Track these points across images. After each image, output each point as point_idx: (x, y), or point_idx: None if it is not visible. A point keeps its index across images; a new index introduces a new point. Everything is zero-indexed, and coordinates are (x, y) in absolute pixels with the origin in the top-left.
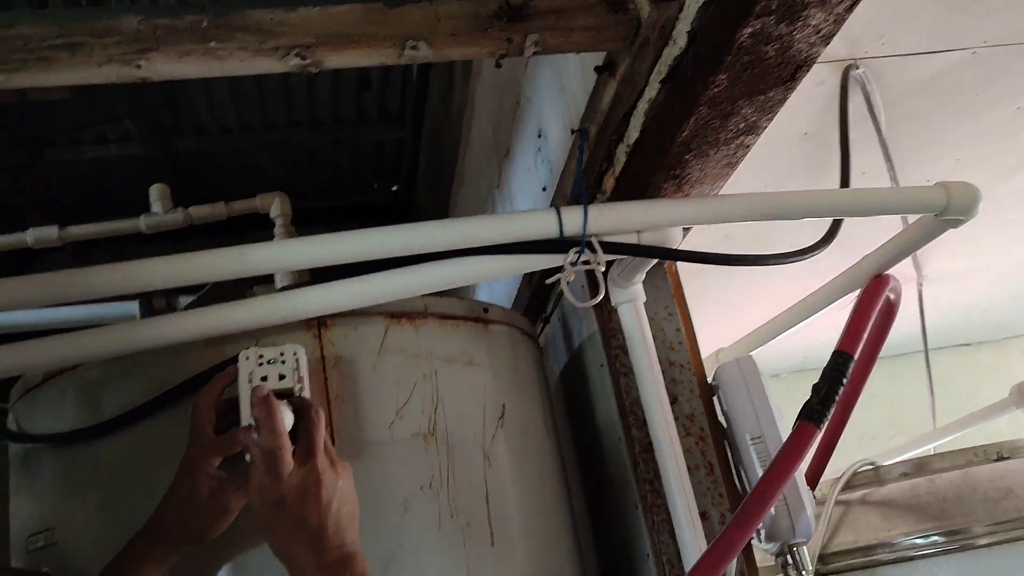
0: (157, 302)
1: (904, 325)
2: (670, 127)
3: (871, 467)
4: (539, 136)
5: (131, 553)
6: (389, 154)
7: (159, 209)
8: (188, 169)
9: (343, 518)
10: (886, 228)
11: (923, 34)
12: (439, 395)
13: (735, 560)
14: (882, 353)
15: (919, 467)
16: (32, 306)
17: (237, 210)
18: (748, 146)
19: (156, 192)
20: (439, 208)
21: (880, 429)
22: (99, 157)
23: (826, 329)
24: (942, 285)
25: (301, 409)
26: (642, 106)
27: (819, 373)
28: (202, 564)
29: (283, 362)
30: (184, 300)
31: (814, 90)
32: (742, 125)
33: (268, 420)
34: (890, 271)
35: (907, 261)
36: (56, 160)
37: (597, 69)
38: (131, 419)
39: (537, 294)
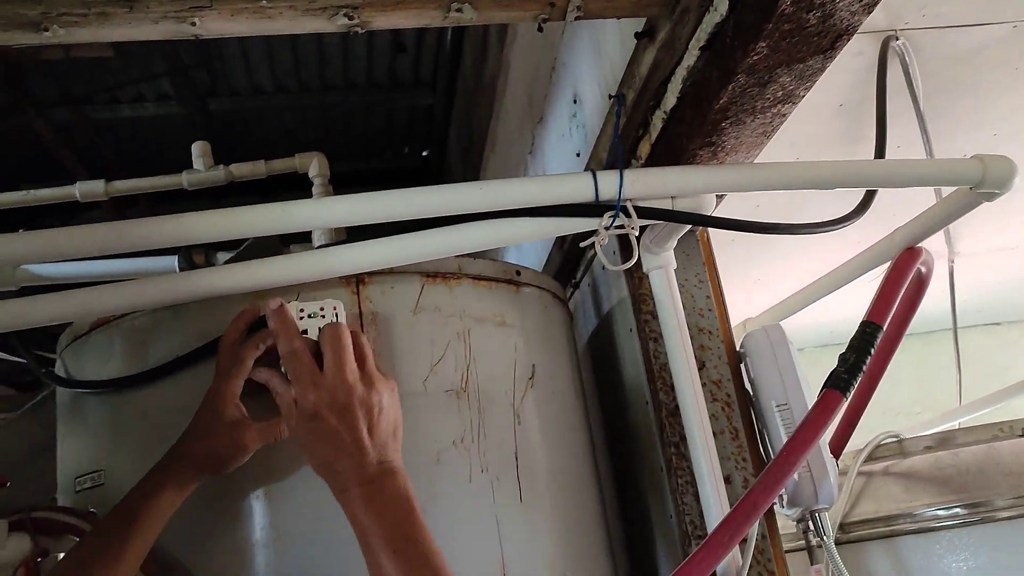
0: (197, 258)
1: (933, 302)
2: (708, 94)
3: (895, 439)
4: (574, 102)
5: (153, 479)
6: (421, 119)
7: (201, 166)
8: (222, 131)
9: (382, 432)
10: (918, 204)
11: (964, 6)
12: (471, 354)
13: (757, 524)
14: (910, 330)
15: (943, 441)
16: (84, 255)
17: (276, 169)
18: (785, 115)
19: (198, 149)
20: (470, 174)
21: (906, 406)
22: (136, 116)
23: (853, 305)
24: (973, 263)
25: (328, 329)
26: (680, 73)
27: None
28: (240, 489)
29: (323, 316)
30: (222, 257)
31: (852, 61)
32: (780, 94)
33: (283, 327)
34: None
35: (938, 237)
36: (95, 118)
37: (637, 35)
38: (175, 367)
39: (567, 260)
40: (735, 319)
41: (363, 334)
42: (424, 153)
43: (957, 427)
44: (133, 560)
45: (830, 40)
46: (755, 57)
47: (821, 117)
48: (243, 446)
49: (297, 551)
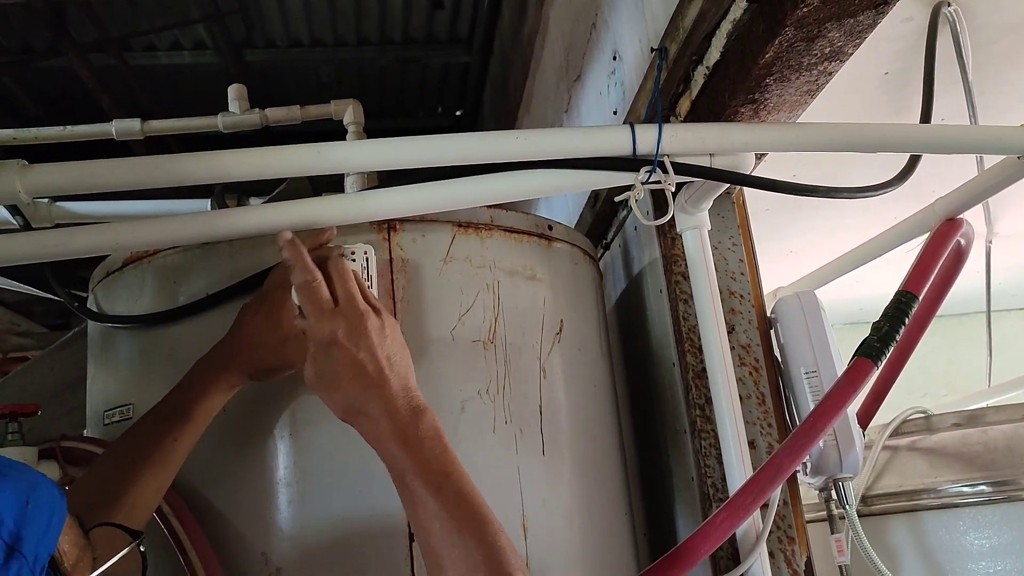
0: (230, 201)
1: (967, 283)
2: (753, 48)
3: (922, 415)
4: (614, 59)
5: (201, 379)
6: (456, 77)
7: (236, 109)
8: (258, 83)
9: (400, 363)
10: (959, 180)
11: None
12: (500, 305)
13: (780, 489)
14: (942, 312)
15: (972, 418)
16: (120, 187)
17: (311, 114)
18: (831, 73)
19: (234, 92)
20: None
21: (933, 388)
22: (173, 64)
23: (884, 283)
24: (1011, 245)
25: (328, 261)
26: (725, 27)
27: None
28: (264, 427)
29: (354, 260)
30: (255, 203)
31: (900, 27)
32: (827, 50)
33: (298, 257)
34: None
35: (977, 216)
36: (134, 64)
37: None
38: (207, 305)
39: (599, 220)
40: (767, 289)
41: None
42: (458, 112)
43: (986, 407)
44: (181, 457)
45: None
46: (805, 9)
47: (866, 85)
48: (291, 362)
49: (319, 490)
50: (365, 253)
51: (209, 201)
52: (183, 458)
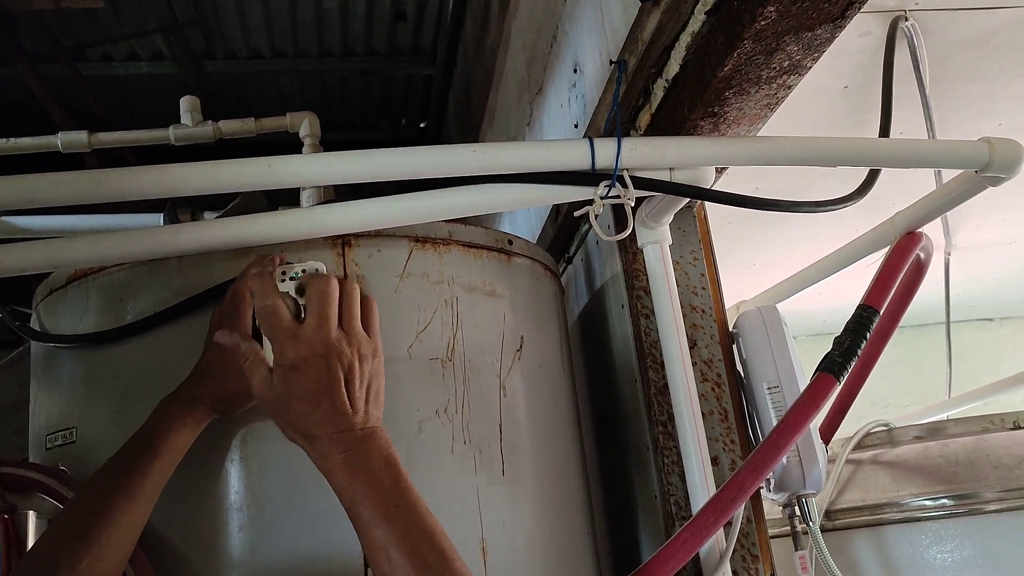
0: (183, 216)
1: (927, 294)
2: (712, 61)
3: (885, 428)
4: (575, 71)
5: (168, 417)
6: (419, 89)
7: (188, 121)
8: (218, 95)
9: (362, 394)
10: (918, 195)
11: None
12: (459, 322)
13: (743, 507)
14: (903, 322)
15: (933, 431)
16: (63, 203)
17: (266, 127)
18: (790, 87)
19: (186, 104)
20: None
21: (895, 398)
22: (129, 75)
23: (847, 294)
24: (969, 256)
25: (313, 282)
26: (684, 39)
27: None
28: (216, 452)
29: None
30: (209, 217)
31: (859, 40)
32: (786, 63)
33: (260, 284)
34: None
35: (936, 229)
36: (87, 75)
37: None
38: (154, 324)
39: (561, 234)
40: (729, 302)
41: (355, 286)
42: (422, 124)
43: (947, 419)
44: (152, 496)
45: (841, 8)
46: (763, 23)
47: (825, 98)
48: (250, 393)
49: (271, 516)
50: (316, 271)
51: (161, 215)
52: (153, 498)
